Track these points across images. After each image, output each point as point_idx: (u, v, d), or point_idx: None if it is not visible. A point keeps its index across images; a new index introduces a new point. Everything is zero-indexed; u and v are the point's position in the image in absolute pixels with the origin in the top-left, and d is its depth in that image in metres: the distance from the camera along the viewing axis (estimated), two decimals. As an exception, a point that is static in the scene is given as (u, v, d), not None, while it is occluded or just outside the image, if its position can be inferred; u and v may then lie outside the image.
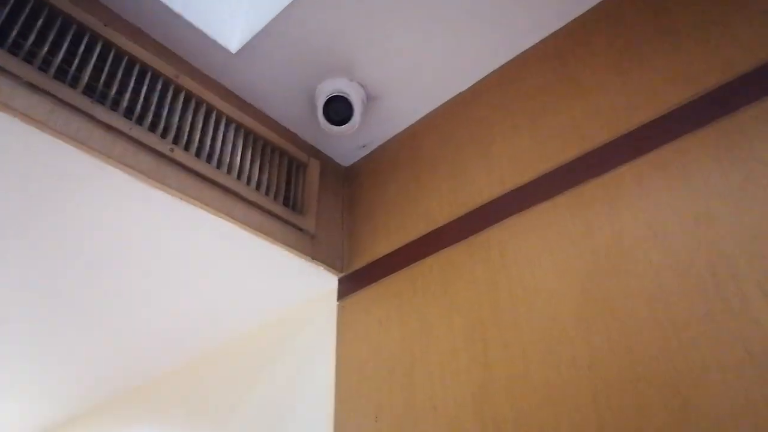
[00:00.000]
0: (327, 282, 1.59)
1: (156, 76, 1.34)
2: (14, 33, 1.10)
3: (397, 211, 1.55)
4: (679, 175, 1.04)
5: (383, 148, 1.71)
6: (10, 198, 1.22)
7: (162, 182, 1.23)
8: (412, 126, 1.65)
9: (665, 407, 0.88)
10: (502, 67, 1.49)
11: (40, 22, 1.15)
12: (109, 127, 1.18)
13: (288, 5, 1.33)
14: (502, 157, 1.37)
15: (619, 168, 1.13)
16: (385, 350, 1.35)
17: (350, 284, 1.55)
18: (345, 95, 1.49)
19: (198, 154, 1.34)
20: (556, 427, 0.98)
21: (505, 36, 1.43)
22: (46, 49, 1.14)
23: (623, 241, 1.05)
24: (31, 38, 1.12)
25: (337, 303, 1.55)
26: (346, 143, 1.72)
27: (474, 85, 1.54)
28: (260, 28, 1.39)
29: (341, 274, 1.58)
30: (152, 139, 1.25)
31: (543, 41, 1.44)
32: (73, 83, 1.16)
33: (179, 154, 1.29)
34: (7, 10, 1.10)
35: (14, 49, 1.09)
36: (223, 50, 1.44)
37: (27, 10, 1.14)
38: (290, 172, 1.58)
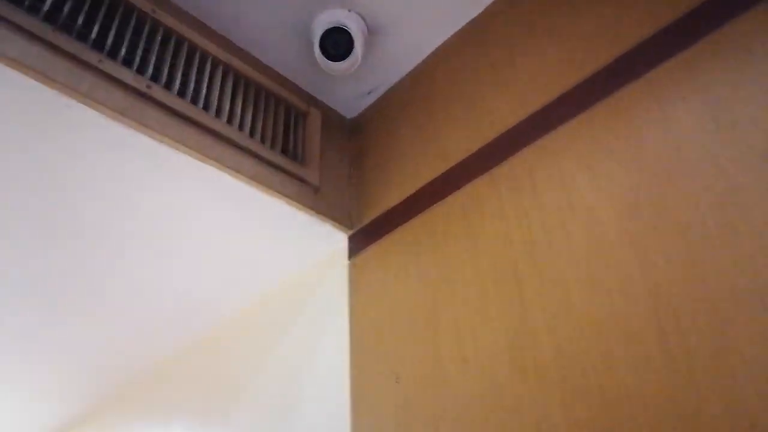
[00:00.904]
0: (336, 240, 1.43)
1: (129, 9, 1.20)
2: (-43, -51, 0.96)
3: (410, 155, 1.38)
4: (744, 55, 0.86)
5: (391, 92, 1.55)
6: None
7: (138, 121, 1.09)
8: (422, 62, 1.48)
9: (751, 323, 0.70)
10: (519, -17, 1.32)
11: (-11, -59, 1.01)
12: (74, 59, 1.04)
13: None
14: (525, 77, 1.19)
15: (666, 62, 0.95)
16: (404, 305, 1.18)
17: (361, 240, 1.39)
18: (343, 26, 1.33)
19: (181, 96, 1.19)
20: (611, 366, 0.80)
21: (520, -53, 1.26)
22: (-3, -30, 1.00)
23: (678, 141, 0.87)
24: (-22, -43, 0.99)
25: (348, 262, 1.39)
26: (350, 90, 1.56)
27: (488, 5, 1.37)
28: (244, -48, 1.24)
29: (351, 231, 1.42)
30: (126, 75, 1.10)
31: (563, -52, 1.26)
32: (33, 11, 1.02)
33: (158, 92, 1.14)
34: (-53, -77, 0.97)
35: (-42, -32, 0.95)
36: (205, -17, 1.29)
37: (-28, -74, 1.00)
38: (288, 122, 1.43)
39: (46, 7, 1.04)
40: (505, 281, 1.02)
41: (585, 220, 0.94)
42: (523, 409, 0.88)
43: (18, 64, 0.96)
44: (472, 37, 1.38)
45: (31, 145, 1.10)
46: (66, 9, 1.07)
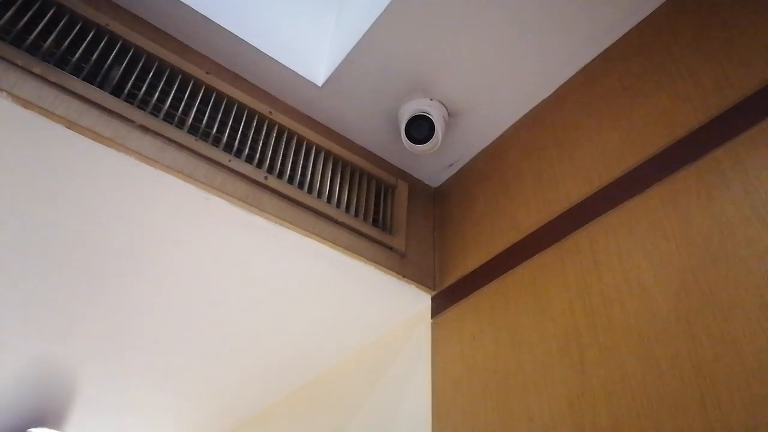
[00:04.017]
0: (420, 301, 1.59)
1: (252, 113, 1.48)
2: (129, 85, 1.27)
3: (486, 224, 1.53)
4: (782, 150, 0.94)
5: (470, 165, 1.71)
6: (121, 231, 1.38)
7: (258, 207, 1.34)
8: (497, 139, 1.65)
9: (783, 405, 0.78)
10: (585, 67, 1.45)
11: (150, 75, 1.33)
12: (211, 161, 1.31)
13: (365, 34, 1.41)
14: (589, 157, 1.32)
15: (713, 152, 1.04)
16: (480, 365, 1.32)
17: (443, 301, 1.55)
18: (426, 114, 1.53)
19: (290, 181, 1.44)
20: (660, 434, 0.90)
21: (587, 36, 1.40)
22: (156, 96, 1.31)
23: (722, 228, 0.96)
24: (143, 88, 1.29)
25: (431, 321, 1.55)
26: (434, 164, 1.74)
27: (557, 89, 1.51)
28: (342, 59, 1.48)
29: (434, 292, 1.59)
30: (248, 169, 1.36)
31: (626, 36, 1.38)
32: (180, 124, 1.32)
33: (273, 181, 1.39)
34: (122, 68, 1.29)
35: (129, 99, 1.26)
36: (311, 84, 1.55)
37: (140, 65, 1.32)
38: (379, 195, 1.64)
39: (189, 120, 1.33)
40: (567, 348, 1.13)
41: (640, 297, 1.04)
42: (582, 468, 0.99)
43: (170, 169, 1.24)
44: (542, 117, 1.52)
45: (180, 227, 1.39)
46: (204, 120, 1.36)
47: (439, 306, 1.55)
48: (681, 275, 0.99)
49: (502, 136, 1.63)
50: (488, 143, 1.66)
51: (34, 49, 1.17)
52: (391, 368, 1.63)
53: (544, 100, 1.54)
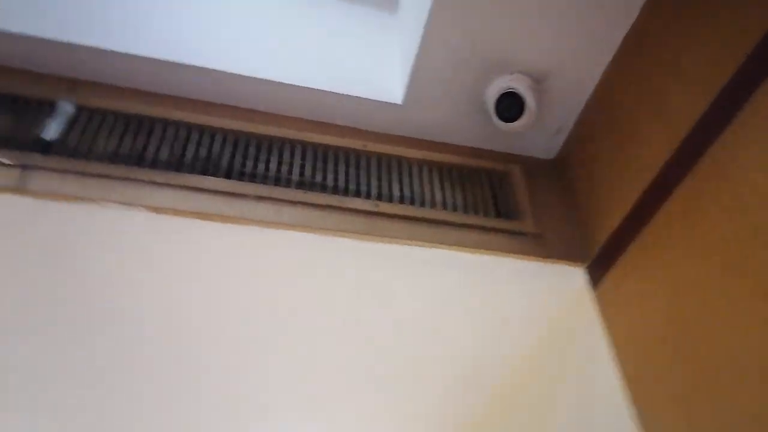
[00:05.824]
0: (575, 278, 1.49)
1: (347, 152, 1.55)
2: (238, 166, 1.41)
3: (615, 177, 1.42)
4: None
5: (579, 123, 1.61)
6: (261, 296, 1.51)
7: (369, 234, 1.38)
8: (597, 87, 1.53)
9: None
10: (662, -22, 1.31)
11: (254, 151, 1.46)
12: (323, 206, 1.40)
13: (423, 37, 1.42)
14: (695, 69, 1.17)
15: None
16: (655, 321, 1.21)
17: (598, 270, 1.44)
18: (512, 89, 1.48)
19: (401, 201, 1.47)
20: None
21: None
22: (263, 167, 1.43)
23: None
24: (250, 164, 1.43)
25: (594, 294, 1.45)
26: (540, 136, 1.67)
27: (639, 13, 1.37)
28: (410, 70, 1.50)
29: (586, 264, 1.49)
30: (358, 203, 1.42)
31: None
32: (287, 184, 1.42)
33: (385, 207, 1.43)
34: (230, 154, 1.44)
35: (241, 177, 1.40)
36: (392, 105, 1.58)
37: (244, 146, 1.46)
38: (494, 185, 1.60)
39: (296, 177, 1.44)
40: (735, 274, 0.99)
41: (804, 192, 0.89)
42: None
43: (289, 226, 1.35)
44: (634, 49, 1.39)
45: (308, 278, 1.48)
46: (308, 170, 1.46)
47: (596, 276, 1.45)
48: None
49: (601, 82, 1.51)
50: (589, 94, 1.55)
51: (153, 164, 1.35)
52: (569, 354, 1.54)
53: (630, 29, 1.40)
